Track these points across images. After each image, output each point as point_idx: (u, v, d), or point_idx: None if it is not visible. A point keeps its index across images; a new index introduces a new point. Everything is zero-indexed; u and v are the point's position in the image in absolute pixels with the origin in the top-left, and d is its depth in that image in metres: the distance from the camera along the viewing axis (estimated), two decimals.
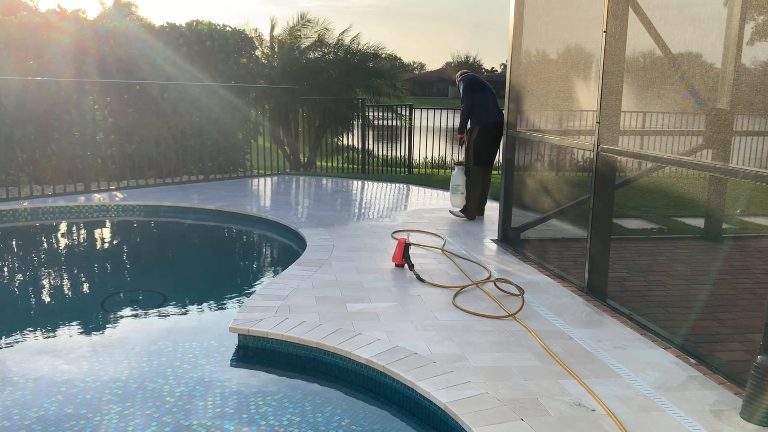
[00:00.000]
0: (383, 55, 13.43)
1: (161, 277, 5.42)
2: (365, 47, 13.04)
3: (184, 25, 9.73)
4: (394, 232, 6.15)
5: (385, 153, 12.16)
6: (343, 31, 13.14)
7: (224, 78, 9.78)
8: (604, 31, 4.13)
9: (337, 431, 2.87)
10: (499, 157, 6.66)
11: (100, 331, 4.07)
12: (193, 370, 3.42)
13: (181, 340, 3.88)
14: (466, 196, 6.94)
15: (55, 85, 8.20)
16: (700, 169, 3.41)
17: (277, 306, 3.98)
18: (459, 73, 7.34)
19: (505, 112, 5.90)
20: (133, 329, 4.12)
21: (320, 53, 12.86)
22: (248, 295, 4.25)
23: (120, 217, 7.40)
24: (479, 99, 6.83)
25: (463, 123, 6.96)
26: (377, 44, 13.50)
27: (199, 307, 4.68)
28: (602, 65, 4.15)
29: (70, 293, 5.00)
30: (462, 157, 7.32)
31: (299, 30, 12.89)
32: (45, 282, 5.18)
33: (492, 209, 7.40)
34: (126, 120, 8.95)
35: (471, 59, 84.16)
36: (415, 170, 11.74)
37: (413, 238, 5.91)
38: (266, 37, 12.83)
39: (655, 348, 3.49)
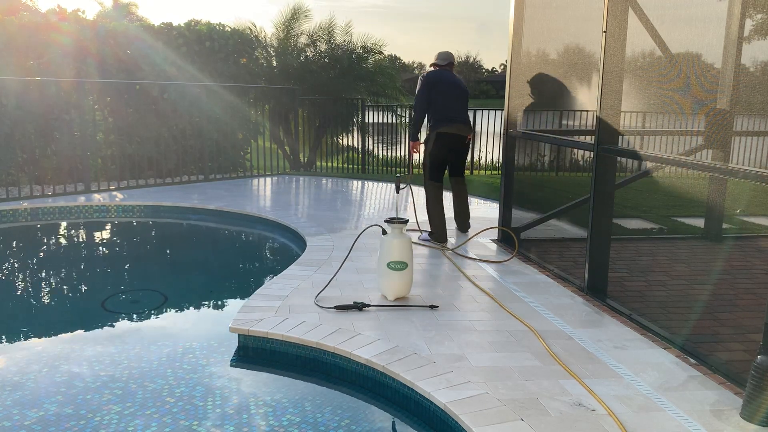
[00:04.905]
0: (372, 47, 12.97)
1: (161, 277, 5.42)
2: (362, 43, 12.78)
3: (183, 25, 9.74)
4: None
5: (385, 153, 12.16)
6: (328, 24, 12.56)
7: (224, 78, 9.79)
8: (604, 31, 4.13)
9: (337, 431, 2.87)
10: (498, 157, 6.61)
11: (101, 332, 4.07)
12: (193, 370, 3.42)
13: (181, 340, 3.88)
14: (429, 215, 5.94)
15: (55, 86, 8.20)
16: (700, 169, 3.41)
17: (277, 306, 3.98)
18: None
19: (505, 112, 5.88)
20: (134, 329, 4.12)
21: (314, 50, 12.60)
22: (248, 295, 4.25)
23: (120, 218, 7.40)
24: (437, 98, 5.75)
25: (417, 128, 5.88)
26: (368, 36, 13.20)
27: (200, 307, 4.68)
28: (602, 65, 4.15)
29: (70, 293, 5.00)
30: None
31: (293, 25, 12.46)
32: (45, 282, 5.18)
33: (492, 209, 7.40)
34: (126, 120, 8.95)
35: (471, 59, 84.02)
36: (416, 170, 11.73)
37: (414, 237, 5.91)
38: (263, 36, 12.69)
39: (655, 348, 3.49)
